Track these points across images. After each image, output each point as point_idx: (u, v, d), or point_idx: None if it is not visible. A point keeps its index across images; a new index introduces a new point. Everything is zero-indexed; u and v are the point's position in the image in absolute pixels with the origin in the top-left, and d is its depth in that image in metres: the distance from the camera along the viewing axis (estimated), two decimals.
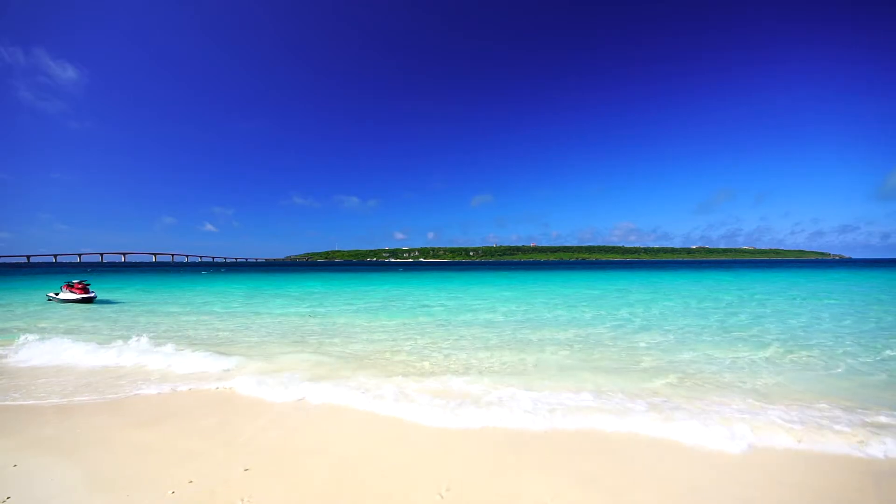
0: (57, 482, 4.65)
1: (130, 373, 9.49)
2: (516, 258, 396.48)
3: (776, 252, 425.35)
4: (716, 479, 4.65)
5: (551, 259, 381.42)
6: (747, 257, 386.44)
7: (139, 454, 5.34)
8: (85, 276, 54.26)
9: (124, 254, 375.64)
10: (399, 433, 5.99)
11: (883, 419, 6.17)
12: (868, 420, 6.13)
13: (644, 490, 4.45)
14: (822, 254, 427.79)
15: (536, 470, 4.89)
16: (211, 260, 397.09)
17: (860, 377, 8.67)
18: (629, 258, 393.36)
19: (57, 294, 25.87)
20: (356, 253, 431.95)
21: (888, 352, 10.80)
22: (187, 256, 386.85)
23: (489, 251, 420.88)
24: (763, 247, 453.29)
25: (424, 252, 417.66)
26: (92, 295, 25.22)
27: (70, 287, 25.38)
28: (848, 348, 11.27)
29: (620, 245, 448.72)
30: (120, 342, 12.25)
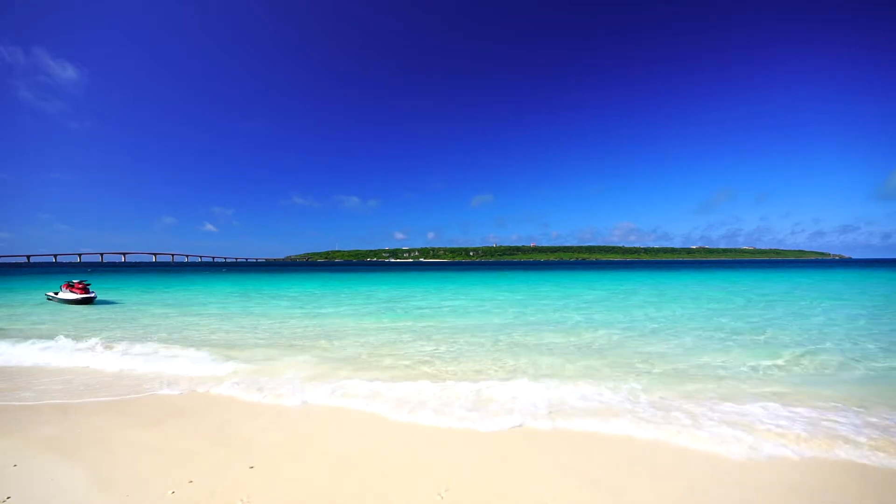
0: (57, 482, 4.64)
1: (130, 373, 9.48)
2: (516, 258, 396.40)
3: (776, 252, 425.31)
4: (717, 482, 4.64)
5: (551, 259, 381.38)
6: (747, 257, 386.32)
7: (139, 454, 5.33)
8: (85, 276, 54.21)
9: (124, 254, 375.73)
10: (399, 433, 5.98)
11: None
12: (880, 424, 6.05)
13: (645, 491, 4.44)
14: (822, 254, 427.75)
15: (537, 470, 4.88)
16: (211, 260, 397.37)
17: (879, 382, 8.38)
18: (629, 258, 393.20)
19: (56, 294, 25.79)
20: (356, 253, 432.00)
21: None
22: (187, 256, 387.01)
23: (489, 251, 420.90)
24: (763, 247, 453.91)
25: (424, 252, 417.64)
26: (92, 295, 25.11)
27: (70, 287, 25.28)
28: (866, 350, 11.05)
29: (620, 245, 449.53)
30: (119, 343, 12.25)
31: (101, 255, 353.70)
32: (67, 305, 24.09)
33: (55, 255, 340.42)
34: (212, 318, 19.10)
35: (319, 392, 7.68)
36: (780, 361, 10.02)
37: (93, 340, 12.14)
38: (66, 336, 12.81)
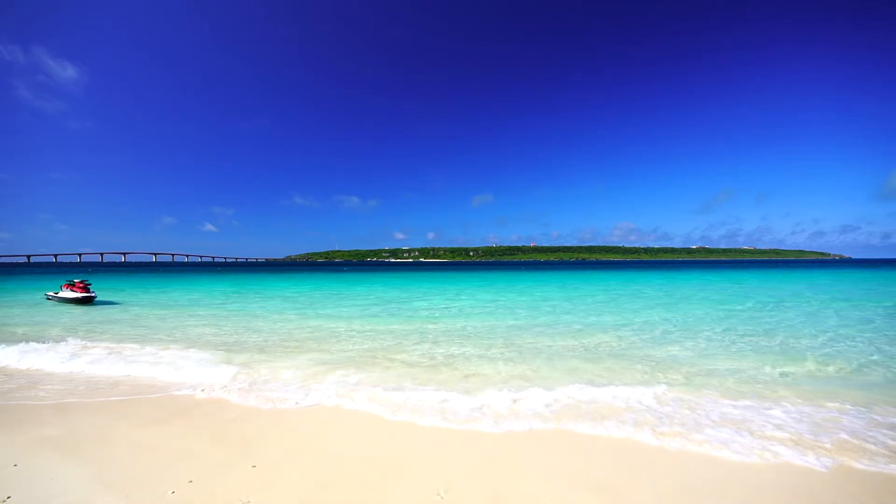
0: (57, 482, 4.64)
1: (130, 373, 9.47)
2: (516, 258, 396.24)
3: (776, 252, 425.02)
4: (718, 484, 4.64)
5: (551, 259, 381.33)
6: (747, 257, 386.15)
7: (139, 454, 5.33)
8: (85, 275, 54.24)
9: (124, 254, 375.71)
10: (399, 434, 5.98)
11: None
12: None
13: (646, 492, 4.44)
14: (823, 254, 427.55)
15: (537, 471, 4.88)
16: (211, 260, 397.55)
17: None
18: (629, 258, 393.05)
19: (56, 293, 25.82)
20: (356, 253, 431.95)
21: None
22: (187, 256, 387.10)
23: (489, 251, 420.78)
24: (763, 247, 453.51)
25: (424, 252, 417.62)
26: (92, 294, 25.11)
27: (71, 286, 25.32)
28: (885, 353, 10.91)
29: (621, 245, 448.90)
30: (119, 343, 12.26)
31: (101, 255, 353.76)
32: (67, 306, 24.09)
33: (55, 255, 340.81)
34: (212, 318, 19.10)
35: (320, 392, 7.67)
36: (792, 367, 9.77)
37: (93, 341, 12.14)
38: (66, 336, 12.81)
